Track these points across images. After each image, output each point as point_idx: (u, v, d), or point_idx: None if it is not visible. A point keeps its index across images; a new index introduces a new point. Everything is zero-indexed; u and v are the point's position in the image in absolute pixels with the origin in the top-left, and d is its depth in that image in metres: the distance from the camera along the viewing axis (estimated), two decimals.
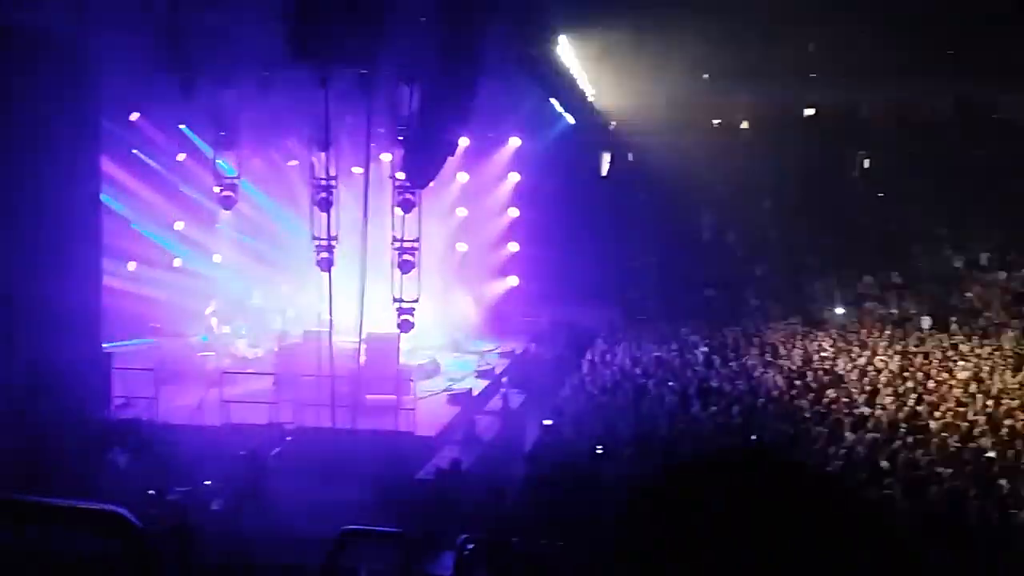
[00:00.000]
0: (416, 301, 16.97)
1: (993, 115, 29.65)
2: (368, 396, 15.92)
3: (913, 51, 26.20)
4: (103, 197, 16.24)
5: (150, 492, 11.17)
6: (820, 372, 17.97)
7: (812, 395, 15.81)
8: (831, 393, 15.87)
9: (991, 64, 25.86)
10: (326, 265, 16.22)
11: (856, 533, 1.16)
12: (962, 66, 26.75)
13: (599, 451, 12.74)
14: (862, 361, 19.05)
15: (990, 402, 15.13)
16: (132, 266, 21.62)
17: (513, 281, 25.68)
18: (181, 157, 22.40)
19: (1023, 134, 27.31)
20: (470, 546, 8.29)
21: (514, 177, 25.57)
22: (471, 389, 18.41)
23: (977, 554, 8.79)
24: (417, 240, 17.14)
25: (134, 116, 20.69)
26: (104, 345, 15.43)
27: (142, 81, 17.16)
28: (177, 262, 23.33)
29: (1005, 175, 27.28)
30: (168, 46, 15.71)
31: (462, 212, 25.01)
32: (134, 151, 21.48)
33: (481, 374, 20.09)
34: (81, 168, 14.35)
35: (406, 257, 17.00)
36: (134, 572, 3.48)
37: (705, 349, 20.15)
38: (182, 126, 21.44)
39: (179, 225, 23.20)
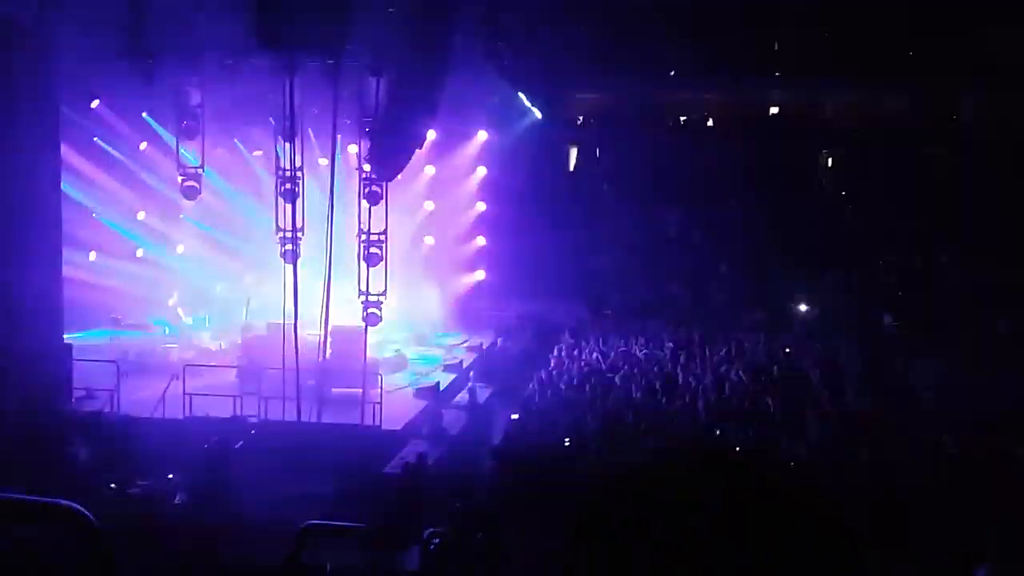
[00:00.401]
0: (383, 294, 16.85)
1: (953, 116, 30.08)
2: (334, 389, 15.80)
3: (875, 51, 26.53)
4: (63, 186, 15.96)
5: (111, 486, 11.01)
6: (784, 367, 18.14)
7: (776, 390, 15.95)
8: (795, 389, 16.03)
9: (951, 65, 26.25)
10: (291, 257, 16.05)
11: (819, 526, 1.16)
12: (923, 66, 27.12)
13: (567, 443, 12.77)
14: (826, 357, 19.25)
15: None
16: (93, 256, 21.30)
17: (480, 275, 25.64)
18: (143, 146, 22.08)
19: (981, 135, 27.75)
20: (436, 540, 8.26)
21: (481, 171, 25.51)
22: (438, 383, 18.35)
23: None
24: (384, 233, 17.01)
25: (95, 104, 20.36)
26: (65, 336, 15.18)
27: (103, 68, 16.87)
28: (139, 252, 23.02)
29: (964, 176, 27.67)
30: (130, 32, 15.47)
31: (429, 205, 24.91)
32: (95, 139, 21.14)
33: (448, 368, 20.04)
34: (41, 156, 14.08)
35: (373, 250, 16.86)
36: (91, 567, 3.40)
37: (671, 344, 20.25)
38: (144, 114, 21.13)
39: (141, 215, 22.88)
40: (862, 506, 9.56)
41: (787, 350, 20.25)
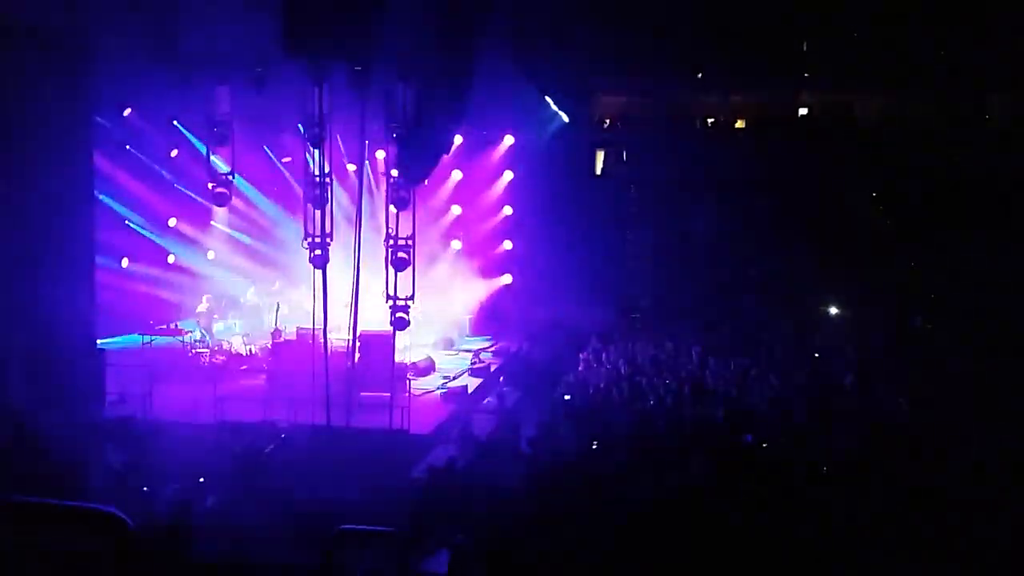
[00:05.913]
0: (411, 298, 16.92)
1: (984, 116, 29.67)
2: (362, 393, 15.88)
3: (905, 53, 26.28)
4: (96, 192, 16.16)
5: (144, 489, 11.13)
6: (814, 372, 18.00)
7: (807, 395, 15.82)
8: (825, 393, 15.90)
9: (981, 66, 25.93)
10: (320, 262, 16.13)
11: (844, 530, 1.17)
12: (953, 67, 26.81)
13: (594, 447, 12.74)
14: (855, 360, 19.08)
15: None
16: (126, 262, 21.57)
17: (507, 279, 25.67)
18: (174, 153, 22.34)
19: (1012, 134, 27.38)
20: (465, 545, 8.28)
21: (508, 175, 25.56)
22: (466, 387, 18.41)
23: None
24: (411, 237, 17.09)
25: (127, 112, 20.62)
26: (98, 341, 15.37)
27: (135, 75, 17.09)
28: (171, 258, 23.28)
29: (998, 181, 27.32)
30: (162, 41, 15.68)
31: (456, 210, 25.00)
32: (127, 147, 21.42)
33: (476, 372, 20.08)
34: (75, 164, 14.23)
35: (400, 254, 16.95)
36: (127, 571, 3.44)
37: (699, 349, 20.15)
38: (175, 122, 21.39)
39: (173, 221, 23.15)
40: (892, 510, 9.48)
41: (816, 355, 20.08)
